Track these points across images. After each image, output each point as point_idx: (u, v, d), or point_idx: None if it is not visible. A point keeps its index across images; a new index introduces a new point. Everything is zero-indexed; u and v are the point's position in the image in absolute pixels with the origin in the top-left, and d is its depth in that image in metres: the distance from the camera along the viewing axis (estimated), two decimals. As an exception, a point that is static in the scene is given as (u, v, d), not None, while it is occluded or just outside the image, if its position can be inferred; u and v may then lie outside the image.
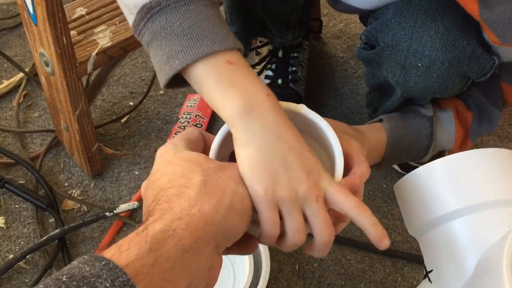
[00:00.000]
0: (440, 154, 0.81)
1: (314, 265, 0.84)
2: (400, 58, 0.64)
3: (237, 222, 0.42)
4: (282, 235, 0.46)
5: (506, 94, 0.73)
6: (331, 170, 0.50)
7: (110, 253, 0.36)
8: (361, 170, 0.51)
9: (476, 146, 1.01)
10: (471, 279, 0.53)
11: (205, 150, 0.50)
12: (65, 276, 0.33)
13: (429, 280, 0.59)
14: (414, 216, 0.59)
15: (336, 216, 0.49)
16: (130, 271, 0.34)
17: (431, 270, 0.59)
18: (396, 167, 0.96)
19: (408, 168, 0.93)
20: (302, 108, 0.51)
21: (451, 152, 0.76)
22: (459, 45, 0.61)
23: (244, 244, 0.47)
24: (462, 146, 0.76)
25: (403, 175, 0.64)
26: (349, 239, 0.86)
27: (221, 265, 0.43)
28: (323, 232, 0.46)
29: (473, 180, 0.55)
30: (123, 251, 0.36)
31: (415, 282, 0.83)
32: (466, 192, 0.55)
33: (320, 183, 0.46)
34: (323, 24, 1.19)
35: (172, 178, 0.42)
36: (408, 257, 0.85)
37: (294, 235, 0.45)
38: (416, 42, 0.62)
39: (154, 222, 0.38)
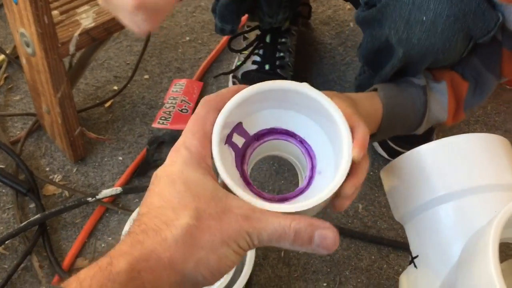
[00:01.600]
0: (430, 132, 0.85)
1: (300, 252, 0.83)
2: (404, 12, 0.63)
3: (208, 278, 0.39)
4: None
5: (504, 62, 0.72)
6: (333, 155, 0.47)
7: (71, 287, 0.34)
8: (363, 131, 0.47)
9: (464, 133, 1.01)
10: (457, 264, 0.53)
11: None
12: None
13: (415, 265, 0.58)
14: (400, 202, 0.59)
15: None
16: None
17: (417, 256, 0.58)
18: (382, 153, 0.95)
19: (394, 154, 0.92)
20: (305, 87, 0.47)
21: (444, 124, 0.77)
22: None
23: None
24: (455, 118, 0.77)
25: (390, 161, 0.63)
26: (335, 226, 0.85)
27: None
28: None
29: (460, 165, 0.55)
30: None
31: (400, 269, 0.83)
32: (453, 177, 0.54)
33: None
34: (312, 10, 1.17)
35: (164, 205, 0.39)
36: (393, 244, 0.85)
37: None
38: None
39: (120, 256, 0.36)
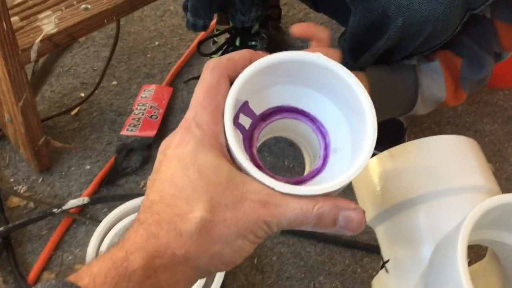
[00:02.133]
0: (401, 133, 0.85)
1: (273, 258, 0.82)
2: None
3: (221, 269, 0.38)
4: None
5: (502, 37, 0.72)
6: (349, 132, 0.43)
7: (83, 282, 0.33)
8: None
9: (434, 135, 1.01)
10: (427, 267, 0.52)
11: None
12: None
13: (386, 270, 0.58)
14: (370, 205, 0.58)
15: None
16: None
17: (388, 260, 0.58)
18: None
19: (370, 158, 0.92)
20: (319, 58, 0.41)
21: (448, 104, 0.77)
22: None
23: None
24: (456, 96, 0.76)
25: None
26: (308, 231, 0.85)
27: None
28: None
29: (429, 168, 0.55)
30: (99, 285, 0.32)
31: (374, 273, 0.83)
32: (421, 179, 0.54)
33: None
34: (283, 13, 1.17)
35: (177, 194, 0.36)
36: (367, 248, 0.85)
37: None
38: None
39: (136, 252, 0.34)
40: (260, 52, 0.41)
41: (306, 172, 0.48)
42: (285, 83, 0.44)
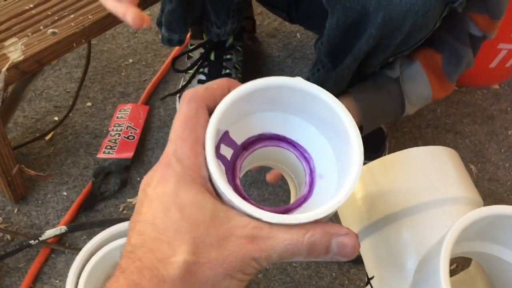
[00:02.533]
0: (382, 139, 0.88)
1: (259, 276, 0.81)
2: None
3: None
4: None
5: (479, 24, 0.75)
6: (333, 156, 0.42)
7: None
8: None
9: (415, 139, 1.01)
10: (412, 283, 0.52)
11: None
12: None
13: (371, 287, 0.57)
14: (352, 221, 0.57)
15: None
16: None
17: (373, 277, 0.57)
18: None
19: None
20: (299, 82, 0.40)
21: (437, 98, 0.81)
22: None
23: None
24: (443, 89, 0.79)
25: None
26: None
27: None
28: None
29: (409, 181, 0.54)
30: None
31: (362, 284, 0.82)
32: (402, 194, 0.53)
33: None
34: (257, 23, 1.16)
35: (159, 237, 0.35)
36: (353, 259, 0.84)
37: None
38: None
39: None
40: (237, 81, 0.40)
41: (292, 201, 0.47)
42: (265, 110, 0.43)
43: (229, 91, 0.39)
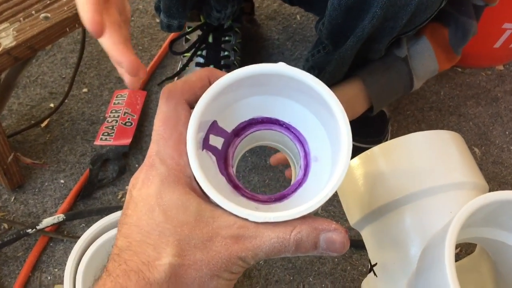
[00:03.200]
0: (384, 123, 0.89)
1: (260, 262, 0.80)
2: None
3: None
4: None
5: None
6: (327, 138, 0.41)
7: None
8: None
9: (418, 123, 0.99)
10: (416, 270, 0.51)
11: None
12: None
13: (374, 274, 0.56)
14: (355, 208, 0.56)
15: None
16: None
17: (376, 264, 0.56)
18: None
19: (353, 149, 0.90)
20: (281, 68, 0.38)
21: (441, 70, 0.81)
22: None
23: None
24: (449, 61, 0.81)
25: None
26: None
27: None
28: None
29: (412, 166, 0.53)
30: None
31: (364, 269, 0.81)
32: (406, 179, 0.52)
33: None
34: (256, 5, 1.13)
35: (144, 240, 0.34)
36: (355, 244, 0.83)
37: None
38: None
39: None
40: (218, 71, 0.39)
41: (293, 180, 0.45)
42: (254, 94, 0.41)
43: (210, 82, 0.38)
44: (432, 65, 0.80)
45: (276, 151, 0.61)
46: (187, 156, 0.36)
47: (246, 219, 0.35)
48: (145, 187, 0.35)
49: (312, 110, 0.42)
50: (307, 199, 0.37)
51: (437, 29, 0.77)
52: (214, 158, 0.40)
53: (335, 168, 0.37)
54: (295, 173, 0.47)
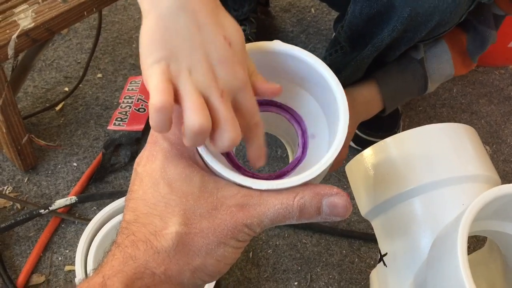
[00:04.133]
0: (396, 118, 0.89)
1: (269, 251, 0.80)
2: None
3: (208, 281, 0.36)
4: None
5: (501, 5, 0.75)
6: (323, 115, 0.42)
7: None
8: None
9: (430, 119, 0.99)
10: (427, 261, 0.51)
11: None
12: None
13: (384, 264, 0.56)
14: (366, 198, 0.56)
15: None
16: None
17: (386, 254, 0.56)
18: (351, 142, 0.92)
19: (361, 142, 0.90)
20: (277, 45, 0.39)
21: (456, 75, 0.82)
22: None
23: None
24: (464, 68, 0.81)
25: (358, 151, 0.61)
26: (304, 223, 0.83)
27: None
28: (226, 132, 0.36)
29: (425, 158, 0.53)
30: None
31: (372, 262, 0.81)
32: (418, 170, 0.52)
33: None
34: (271, -3, 1.13)
35: (150, 212, 0.35)
36: (364, 237, 0.83)
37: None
38: None
39: (114, 276, 0.33)
40: None
41: (291, 159, 0.46)
42: None
43: None
44: (448, 69, 0.80)
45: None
46: None
47: (250, 188, 0.36)
48: (149, 162, 0.36)
49: (306, 88, 0.43)
50: None
51: (456, 34, 0.77)
52: None
53: (335, 137, 0.38)
54: (292, 155, 0.48)
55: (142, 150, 0.38)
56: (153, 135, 0.37)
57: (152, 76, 0.33)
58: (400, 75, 0.78)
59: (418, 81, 0.79)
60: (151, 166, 0.36)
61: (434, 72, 0.79)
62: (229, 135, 0.34)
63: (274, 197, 0.36)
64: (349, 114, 0.39)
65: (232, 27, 0.36)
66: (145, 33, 0.34)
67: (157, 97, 0.32)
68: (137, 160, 0.38)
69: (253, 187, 0.36)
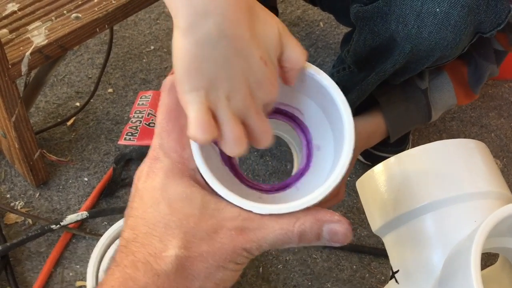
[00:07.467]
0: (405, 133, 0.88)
1: (279, 266, 0.80)
2: (416, 4, 0.61)
3: None
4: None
5: (501, 42, 0.76)
6: (329, 127, 0.42)
7: None
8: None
9: (439, 132, 0.99)
10: (439, 278, 0.50)
11: None
12: None
13: (396, 281, 0.56)
14: (377, 214, 0.56)
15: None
16: None
17: (398, 271, 0.56)
18: (360, 157, 0.93)
19: (371, 157, 0.90)
20: (308, 67, 0.39)
21: (458, 105, 0.85)
22: None
23: None
24: (467, 98, 0.82)
25: (368, 166, 0.61)
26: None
27: None
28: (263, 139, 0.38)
29: (437, 174, 0.53)
30: None
31: (383, 277, 0.81)
32: (430, 187, 0.52)
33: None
34: (280, 11, 1.14)
35: (150, 232, 0.35)
36: (374, 252, 0.83)
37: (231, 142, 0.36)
38: None
39: None
40: None
41: (295, 169, 0.46)
42: None
43: None
44: (450, 100, 0.81)
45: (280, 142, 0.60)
46: (190, 149, 0.36)
47: (251, 211, 0.36)
48: (149, 180, 0.36)
49: (313, 99, 0.42)
50: (310, 188, 0.38)
51: (457, 67, 0.78)
52: (217, 148, 0.40)
53: (338, 160, 0.38)
54: (298, 162, 0.48)
55: (142, 164, 0.37)
56: (154, 150, 0.37)
57: (192, 105, 0.34)
58: (404, 102, 0.79)
59: (421, 110, 0.81)
60: (151, 183, 0.36)
61: (437, 102, 0.81)
62: (265, 143, 0.37)
63: (274, 221, 0.36)
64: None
65: (266, 36, 0.35)
66: (182, 56, 0.33)
67: (198, 131, 0.34)
68: (137, 173, 0.37)
69: (254, 211, 0.36)
